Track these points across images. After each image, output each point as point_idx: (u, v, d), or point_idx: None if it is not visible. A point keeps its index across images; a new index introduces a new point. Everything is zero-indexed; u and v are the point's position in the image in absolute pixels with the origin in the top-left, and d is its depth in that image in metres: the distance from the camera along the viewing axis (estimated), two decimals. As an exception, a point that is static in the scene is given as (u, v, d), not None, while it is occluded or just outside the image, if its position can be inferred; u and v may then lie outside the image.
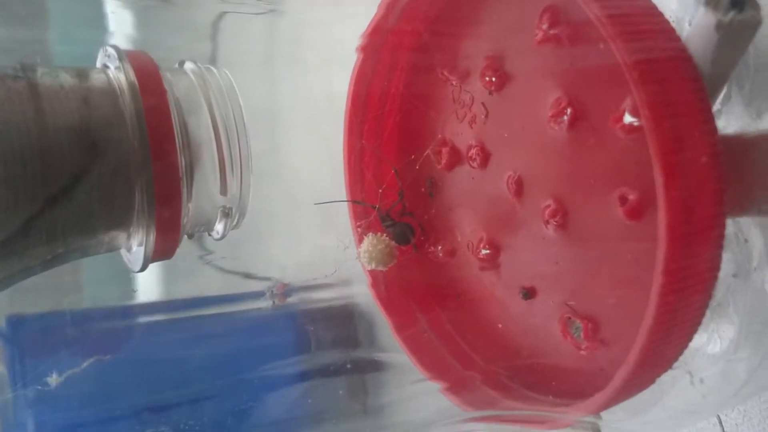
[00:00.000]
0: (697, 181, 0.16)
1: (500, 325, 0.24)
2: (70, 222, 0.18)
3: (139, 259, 0.20)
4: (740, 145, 0.18)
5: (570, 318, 0.21)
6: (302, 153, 0.28)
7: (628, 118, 0.18)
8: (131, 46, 0.26)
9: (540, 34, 0.20)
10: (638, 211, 0.18)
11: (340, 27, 0.27)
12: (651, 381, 0.19)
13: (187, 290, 0.30)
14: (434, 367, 0.24)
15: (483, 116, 0.23)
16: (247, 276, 0.31)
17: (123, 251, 0.21)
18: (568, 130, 0.20)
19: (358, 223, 0.25)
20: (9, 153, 0.17)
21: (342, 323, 0.29)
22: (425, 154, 0.25)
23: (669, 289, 0.16)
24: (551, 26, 0.20)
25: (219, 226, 0.21)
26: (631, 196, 0.18)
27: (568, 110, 0.20)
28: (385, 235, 0.24)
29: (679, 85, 0.17)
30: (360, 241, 0.25)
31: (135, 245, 0.20)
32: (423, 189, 0.26)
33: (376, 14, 0.23)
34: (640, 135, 0.18)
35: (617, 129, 0.18)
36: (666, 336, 0.17)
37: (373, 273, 0.25)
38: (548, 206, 0.21)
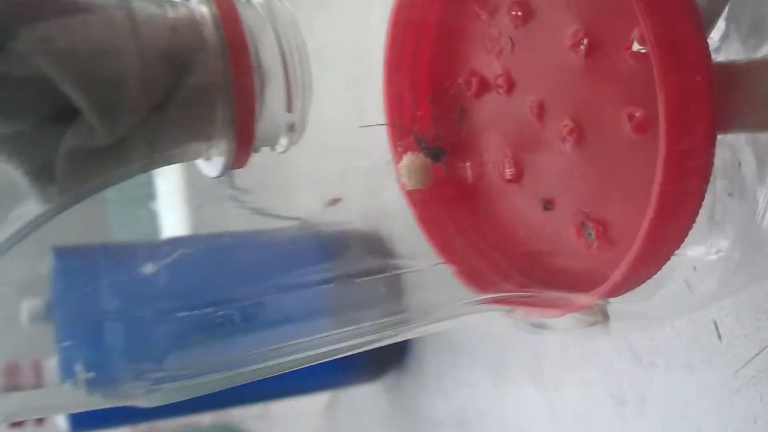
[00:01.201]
0: (693, 97, 0.20)
1: (521, 232, 0.27)
2: (163, 132, 0.22)
3: (217, 166, 0.24)
4: (730, 69, 0.21)
5: (583, 222, 0.24)
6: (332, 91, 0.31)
7: (636, 47, 0.21)
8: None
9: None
10: (644, 126, 0.22)
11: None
12: (653, 271, 0.23)
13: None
14: (462, 267, 0.28)
15: (509, 48, 0.26)
16: (275, 216, 0.35)
17: (200, 161, 0.24)
18: (584, 58, 0.23)
19: (398, 143, 0.28)
20: (118, 70, 0.20)
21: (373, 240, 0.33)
22: (457, 82, 0.28)
23: (667, 187, 0.20)
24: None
25: (283, 140, 0.24)
26: (638, 114, 0.22)
27: (585, 40, 0.23)
28: (421, 154, 0.28)
29: (679, 16, 0.20)
30: (399, 159, 0.28)
31: (214, 155, 0.24)
32: (454, 116, 0.29)
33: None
34: (646, 61, 0.21)
35: (627, 56, 0.22)
36: (666, 226, 0.21)
37: (410, 192, 0.29)
38: (566, 125, 0.24)
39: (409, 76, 0.29)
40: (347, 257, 0.29)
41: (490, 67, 0.27)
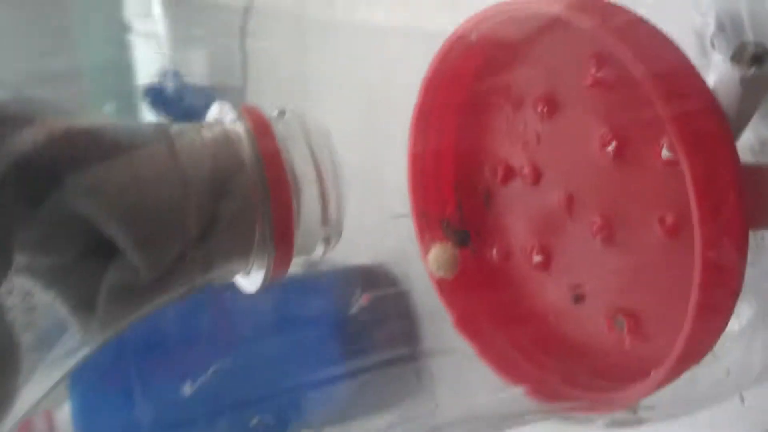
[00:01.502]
0: (725, 200, 0.20)
1: (551, 318, 0.27)
2: (207, 257, 0.22)
3: (257, 281, 0.24)
4: (757, 172, 0.22)
5: (615, 315, 0.25)
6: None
7: (665, 153, 0.22)
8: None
9: (589, 79, 0.23)
10: (675, 231, 0.22)
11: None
12: (688, 368, 0.23)
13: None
14: (491, 354, 0.28)
15: (535, 141, 0.26)
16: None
17: (239, 277, 0.25)
18: (613, 159, 0.23)
19: (425, 231, 0.29)
20: (161, 208, 0.20)
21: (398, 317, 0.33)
22: (482, 169, 0.29)
23: (706, 293, 0.20)
24: (598, 69, 0.23)
25: (320, 248, 0.25)
26: (669, 218, 0.22)
27: (613, 143, 0.23)
28: (449, 244, 0.28)
29: (709, 129, 0.20)
30: (425, 251, 0.29)
31: (254, 270, 0.24)
32: (480, 200, 0.30)
33: (437, 55, 0.27)
34: (675, 167, 0.21)
35: (656, 160, 0.22)
36: (703, 330, 0.21)
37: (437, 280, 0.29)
38: (596, 222, 0.24)
39: (433, 163, 0.29)
40: (375, 347, 0.29)
41: (516, 156, 0.27)
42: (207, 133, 0.23)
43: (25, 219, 0.20)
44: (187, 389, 0.26)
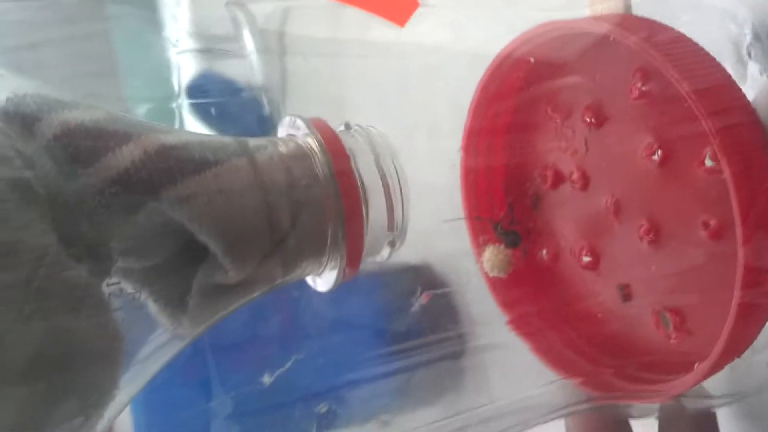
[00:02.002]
0: (764, 205, 0.22)
1: (600, 315, 0.29)
2: (286, 260, 0.24)
3: (328, 282, 0.26)
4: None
5: (661, 312, 0.26)
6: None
7: (708, 163, 0.23)
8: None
9: (635, 92, 0.25)
10: (718, 234, 0.24)
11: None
12: (730, 361, 0.25)
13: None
14: (544, 350, 0.30)
15: (583, 149, 0.28)
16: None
17: (311, 277, 0.27)
18: (659, 167, 0.25)
19: (479, 234, 0.31)
20: (246, 216, 0.23)
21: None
22: (532, 175, 0.30)
23: (747, 292, 0.22)
24: (643, 83, 0.25)
25: (385, 253, 0.27)
26: (712, 222, 0.24)
27: (659, 152, 0.25)
28: (502, 245, 0.30)
29: (748, 140, 0.22)
30: (480, 252, 0.31)
31: (326, 271, 0.26)
32: (529, 203, 0.31)
33: (486, 74, 0.29)
34: (718, 175, 0.23)
35: (700, 169, 0.24)
36: (744, 326, 0.23)
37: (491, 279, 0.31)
38: (642, 225, 0.26)
39: (485, 173, 0.31)
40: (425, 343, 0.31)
41: (565, 163, 0.29)
42: (283, 148, 0.25)
43: (124, 227, 0.22)
44: (260, 382, 0.28)
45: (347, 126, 0.27)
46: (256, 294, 0.24)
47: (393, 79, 0.31)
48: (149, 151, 0.22)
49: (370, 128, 0.26)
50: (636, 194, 0.26)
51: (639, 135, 0.25)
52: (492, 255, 0.30)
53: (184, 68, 0.34)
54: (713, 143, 0.21)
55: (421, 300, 0.31)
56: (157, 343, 0.24)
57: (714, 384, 0.26)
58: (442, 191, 0.31)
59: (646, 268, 0.26)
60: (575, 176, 0.29)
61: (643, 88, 0.25)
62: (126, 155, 0.22)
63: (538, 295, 0.31)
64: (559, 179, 0.30)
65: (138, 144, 0.22)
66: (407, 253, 0.31)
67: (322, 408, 0.29)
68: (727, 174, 0.21)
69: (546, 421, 0.28)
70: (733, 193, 0.21)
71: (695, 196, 0.24)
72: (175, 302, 0.23)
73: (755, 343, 0.25)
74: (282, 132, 0.26)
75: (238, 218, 0.22)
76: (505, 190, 0.32)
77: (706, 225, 0.24)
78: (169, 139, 0.23)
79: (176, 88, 0.34)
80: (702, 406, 0.27)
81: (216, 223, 0.22)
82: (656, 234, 0.25)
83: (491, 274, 0.30)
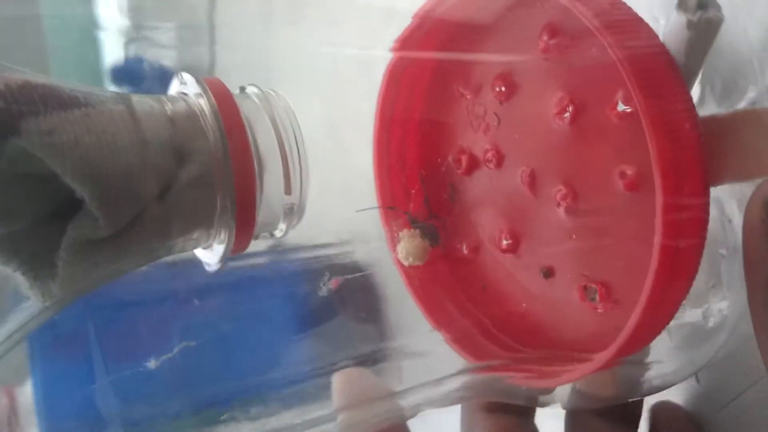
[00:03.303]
0: (684, 146, 0.20)
1: (524, 305, 0.27)
2: (166, 218, 0.22)
3: (217, 255, 0.24)
4: (714, 122, 0.22)
5: (586, 285, 0.24)
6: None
7: (621, 106, 0.22)
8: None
9: (542, 45, 0.24)
10: (636, 183, 0.22)
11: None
12: (658, 330, 0.23)
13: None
14: (466, 347, 0.27)
15: (495, 123, 0.27)
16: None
17: (200, 250, 0.24)
18: (570, 124, 0.24)
19: (392, 223, 0.29)
20: (119, 159, 0.20)
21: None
22: (446, 161, 0.29)
23: (667, 240, 0.20)
24: (551, 38, 0.24)
25: (282, 225, 0.25)
26: (629, 171, 0.22)
27: (570, 107, 0.23)
28: (417, 231, 0.28)
29: (662, 75, 0.21)
30: (393, 241, 0.28)
31: (215, 244, 0.24)
32: (445, 195, 0.30)
33: (398, 40, 0.27)
34: (632, 120, 0.22)
35: (613, 116, 0.22)
36: (667, 285, 0.21)
37: (407, 269, 0.29)
38: (559, 191, 0.24)
39: (398, 156, 0.29)
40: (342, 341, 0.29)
41: (479, 143, 0.27)
42: (169, 105, 0.23)
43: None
44: (151, 364, 0.25)
45: (243, 88, 0.25)
46: (133, 256, 0.21)
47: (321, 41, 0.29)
48: (11, 84, 0.19)
49: (270, 92, 0.25)
50: (550, 160, 0.25)
51: (548, 94, 0.24)
52: (407, 243, 0.28)
53: (111, 51, 0.31)
54: (627, 79, 0.20)
55: (330, 285, 0.28)
56: (25, 314, 0.21)
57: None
58: (364, 173, 0.29)
59: (566, 241, 0.25)
60: (489, 154, 0.27)
61: (551, 42, 0.24)
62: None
63: (457, 288, 0.29)
64: (473, 163, 0.28)
65: (-1, 77, 0.20)
66: (326, 236, 0.29)
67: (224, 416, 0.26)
68: (641, 111, 0.20)
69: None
70: (649, 130, 0.20)
71: (609, 147, 0.23)
72: (45, 269, 0.21)
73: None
74: (173, 91, 0.24)
75: (109, 161, 0.20)
76: (422, 181, 0.30)
77: (623, 175, 0.22)
78: (38, 78, 0.21)
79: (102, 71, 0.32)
80: (644, 374, 0.25)
81: (83, 164, 0.19)
82: (573, 198, 0.24)
83: (407, 263, 0.28)
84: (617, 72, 0.21)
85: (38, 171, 0.19)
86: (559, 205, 0.24)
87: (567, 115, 0.23)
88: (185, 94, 0.23)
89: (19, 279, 0.21)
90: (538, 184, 0.25)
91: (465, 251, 0.29)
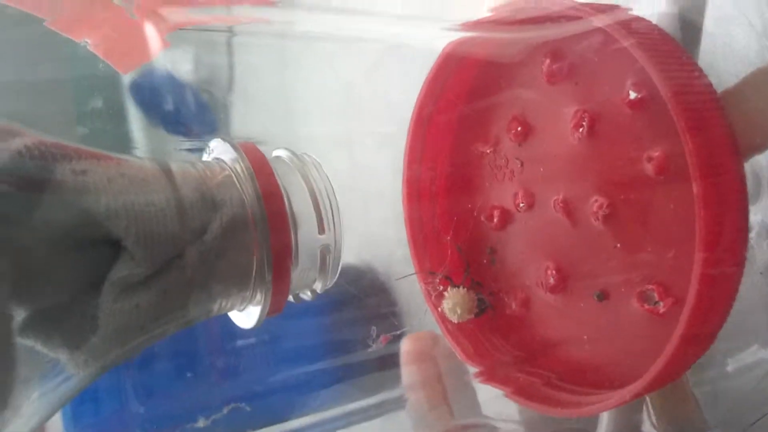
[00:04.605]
0: (708, 122, 0.20)
1: (585, 337, 0.25)
2: (202, 279, 0.21)
3: (253, 317, 0.23)
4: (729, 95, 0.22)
5: (642, 291, 0.23)
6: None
7: (632, 94, 0.22)
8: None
9: (545, 70, 0.25)
10: (665, 166, 0.22)
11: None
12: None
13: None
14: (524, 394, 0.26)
15: (519, 166, 0.27)
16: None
17: (235, 313, 0.24)
18: (589, 132, 0.24)
19: (430, 288, 0.28)
20: (154, 200, 0.20)
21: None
22: (479, 219, 0.28)
23: (710, 220, 0.19)
24: (553, 62, 0.25)
25: (318, 285, 0.24)
26: (656, 153, 0.22)
27: (585, 116, 0.24)
28: (465, 289, 0.27)
29: (672, 53, 0.21)
30: (435, 303, 0.27)
31: (250, 306, 0.23)
32: (485, 260, 0.29)
33: (416, 106, 0.28)
34: (645, 104, 0.22)
35: (626, 107, 0.22)
36: (719, 255, 0.20)
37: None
38: (595, 202, 0.24)
39: (431, 227, 0.29)
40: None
41: (507, 192, 0.28)
42: (207, 171, 0.23)
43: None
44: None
45: (281, 151, 0.26)
46: (172, 320, 0.21)
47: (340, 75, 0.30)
48: (45, 141, 0.20)
49: (305, 156, 0.25)
50: (577, 178, 0.25)
51: (562, 114, 0.25)
52: (454, 299, 0.27)
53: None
54: (642, 60, 0.20)
55: (379, 342, 0.27)
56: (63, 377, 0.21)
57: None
58: (387, 196, 0.29)
59: (612, 249, 0.24)
60: (519, 198, 0.27)
61: (554, 67, 0.25)
62: (18, 142, 0.20)
63: (507, 344, 0.27)
64: (506, 216, 0.28)
65: (32, 137, 0.20)
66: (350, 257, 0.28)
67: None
68: (661, 87, 0.20)
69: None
70: (673, 109, 0.20)
71: (630, 137, 0.23)
72: (81, 339, 0.20)
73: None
74: (207, 156, 0.25)
75: (142, 198, 0.20)
76: (459, 250, 0.29)
77: (650, 159, 0.22)
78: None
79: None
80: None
81: (117, 199, 0.20)
82: (609, 204, 0.23)
83: (456, 320, 0.27)
84: (623, 64, 0.21)
85: (77, 235, 0.19)
86: (597, 218, 0.24)
87: (584, 124, 0.24)
88: (221, 159, 0.24)
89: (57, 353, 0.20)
90: (572, 207, 0.25)
91: (514, 307, 0.28)
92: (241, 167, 0.23)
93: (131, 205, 0.20)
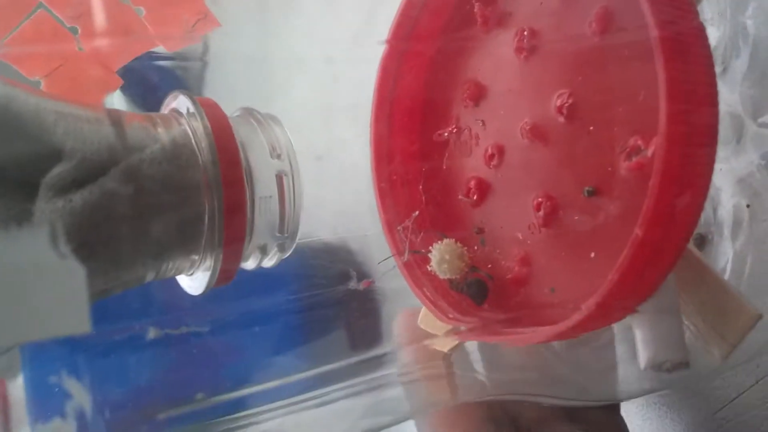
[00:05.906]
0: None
1: (593, 254, 0.22)
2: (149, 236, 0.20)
3: (201, 284, 0.21)
4: None
5: (628, 151, 0.21)
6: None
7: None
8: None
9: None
10: (606, 24, 0.21)
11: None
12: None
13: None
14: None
15: (481, 126, 0.26)
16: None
17: (182, 277, 0.22)
18: (530, 48, 0.24)
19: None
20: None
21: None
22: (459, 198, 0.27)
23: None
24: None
25: (274, 257, 0.22)
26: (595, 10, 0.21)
27: (526, 31, 0.24)
28: (454, 240, 0.25)
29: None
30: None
31: (199, 271, 0.21)
32: (476, 246, 0.27)
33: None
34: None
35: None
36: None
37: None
38: (557, 98, 0.23)
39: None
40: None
41: (478, 158, 0.27)
42: (161, 124, 0.22)
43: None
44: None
45: (243, 111, 0.25)
46: (118, 272, 0.19)
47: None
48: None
49: (270, 118, 0.24)
50: (534, 88, 0.24)
51: (503, 52, 0.25)
52: (443, 254, 0.24)
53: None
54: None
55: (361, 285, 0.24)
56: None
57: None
58: (361, 172, 0.28)
59: (588, 136, 0.22)
60: (489, 152, 0.26)
61: (486, 11, 0.25)
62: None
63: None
64: (483, 187, 0.27)
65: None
66: (324, 232, 0.25)
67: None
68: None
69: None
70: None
71: (575, 15, 0.22)
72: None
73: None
74: (165, 109, 0.24)
75: (82, 113, 0.20)
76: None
77: (591, 24, 0.22)
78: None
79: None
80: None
81: (59, 111, 0.19)
82: (571, 93, 0.23)
83: (444, 276, 0.24)
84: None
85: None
86: (563, 113, 0.23)
87: (525, 36, 0.24)
88: (179, 113, 0.23)
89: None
90: (539, 123, 0.24)
91: (517, 270, 0.25)
92: (199, 125, 0.22)
93: (69, 113, 0.19)
